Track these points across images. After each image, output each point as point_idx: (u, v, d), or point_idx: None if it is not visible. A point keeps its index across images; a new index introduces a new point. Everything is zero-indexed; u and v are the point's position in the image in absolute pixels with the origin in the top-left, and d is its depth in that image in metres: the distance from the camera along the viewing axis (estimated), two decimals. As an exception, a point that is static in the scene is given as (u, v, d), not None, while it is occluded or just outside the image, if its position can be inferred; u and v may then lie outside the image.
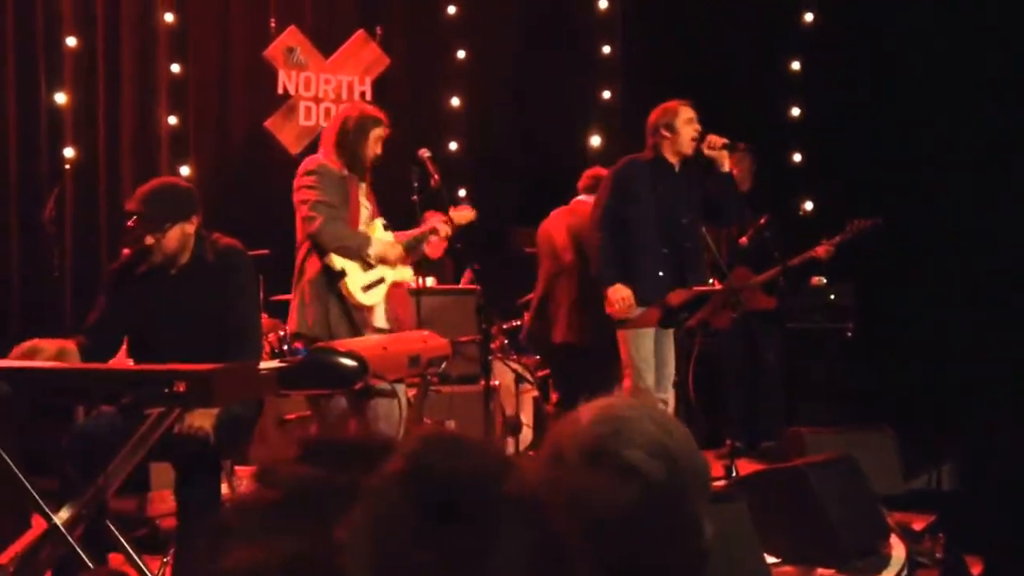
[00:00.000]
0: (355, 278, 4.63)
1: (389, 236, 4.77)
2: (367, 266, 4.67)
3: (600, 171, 6.12)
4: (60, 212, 6.51)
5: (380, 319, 4.70)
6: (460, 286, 6.09)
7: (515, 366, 6.45)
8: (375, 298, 4.66)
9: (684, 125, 5.24)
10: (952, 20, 6.89)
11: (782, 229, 6.51)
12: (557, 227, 6.06)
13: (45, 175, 6.57)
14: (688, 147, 5.24)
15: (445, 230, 4.84)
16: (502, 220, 7.32)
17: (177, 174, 7.02)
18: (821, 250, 6.49)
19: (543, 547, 0.85)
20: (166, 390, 2.78)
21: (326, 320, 4.53)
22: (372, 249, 4.63)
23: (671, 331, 5.20)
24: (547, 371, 6.54)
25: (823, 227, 6.71)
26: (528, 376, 6.36)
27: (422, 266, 5.75)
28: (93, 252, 6.74)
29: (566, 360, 6.11)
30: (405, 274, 4.83)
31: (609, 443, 1.38)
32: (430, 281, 6.30)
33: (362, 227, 4.72)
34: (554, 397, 6.43)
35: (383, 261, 4.68)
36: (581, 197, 6.11)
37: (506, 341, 6.58)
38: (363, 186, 4.76)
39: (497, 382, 6.76)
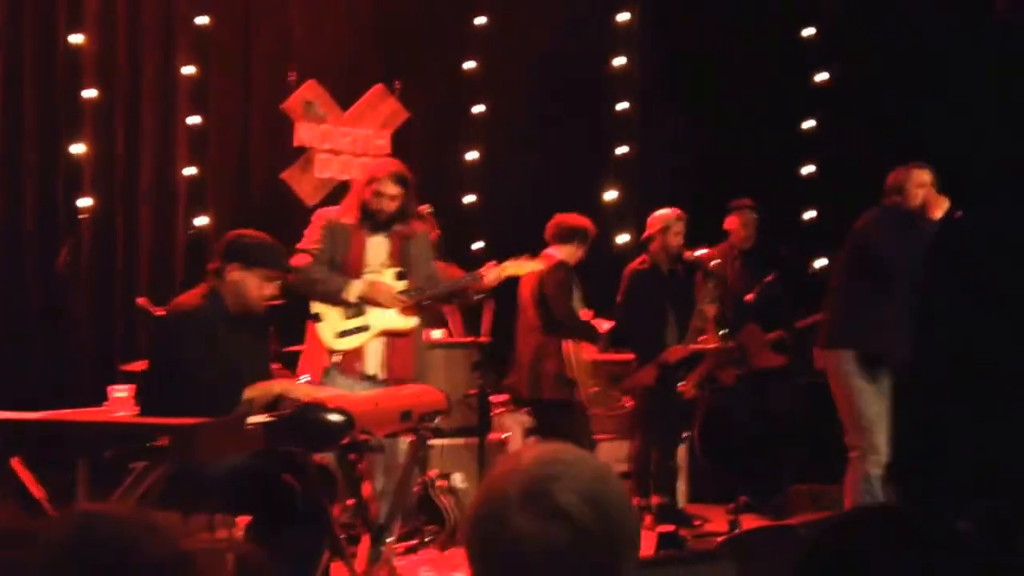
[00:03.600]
0: (330, 323, 4.70)
1: (400, 284, 4.83)
2: (351, 313, 4.72)
3: (568, 219, 6.15)
4: (76, 261, 6.61)
5: (372, 366, 4.75)
6: (464, 339, 6.13)
7: (521, 419, 6.47)
8: (351, 344, 4.71)
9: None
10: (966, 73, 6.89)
11: (793, 286, 6.51)
12: (525, 283, 6.11)
13: (62, 225, 6.68)
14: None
15: (490, 277, 4.92)
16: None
17: (193, 225, 7.14)
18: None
19: None
20: (148, 444, 2.84)
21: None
22: (354, 290, 4.70)
23: None
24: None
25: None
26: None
27: (428, 318, 5.82)
28: (107, 301, 6.83)
29: (537, 413, 6.16)
30: (400, 323, 4.83)
31: (545, 484, 1.40)
32: (437, 333, 6.35)
33: (368, 275, 4.81)
34: None
35: (369, 302, 4.72)
36: (549, 250, 6.12)
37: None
38: (382, 238, 4.88)
39: (508, 434, 6.79)
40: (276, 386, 3.91)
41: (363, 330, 4.75)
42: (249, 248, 3.96)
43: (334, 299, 4.72)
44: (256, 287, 3.91)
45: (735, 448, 6.70)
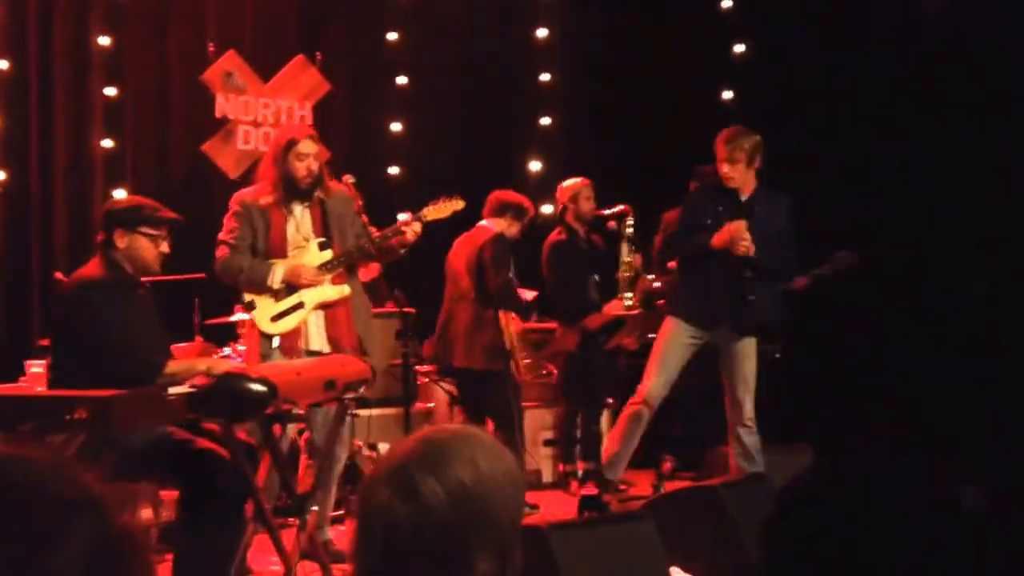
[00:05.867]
0: (263, 308, 4.67)
1: (326, 255, 4.80)
2: (283, 294, 4.70)
3: (504, 195, 6.21)
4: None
5: (317, 341, 4.74)
6: (388, 309, 6.12)
7: (448, 388, 6.51)
8: (288, 325, 4.67)
9: None
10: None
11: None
12: (458, 253, 6.13)
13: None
14: None
15: (412, 229, 4.86)
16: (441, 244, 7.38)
17: (111, 198, 7.02)
18: (801, 281, 6.34)
19: (101, 541, 0.99)
20: (67, 417, 2.82)
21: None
22: (277, 275, 4.66)
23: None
24: (455, 386, 6.57)
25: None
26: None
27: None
28: (23, 276, 6.71)
29: (465, 384, 6.19)
30: (333, 293, 4.79)
31: (409, 463, 1.48)
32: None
33: (292, 252, 4.78)
34: (458, 412, 6.48)
35: (293, 283, 4.70)
36: (483, 222, 6.16)
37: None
38: (301, 209, 4.82)
39: (432, 404, 6.83)
40: (200, 363, 3.91)
41: (298, 308, 4.71)
42: (125, 211, 3.98)
43: (260, 288, 4.68)
44: (148, 247, 3.92)
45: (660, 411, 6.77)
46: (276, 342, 4.68)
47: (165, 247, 3.99)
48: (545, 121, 8.54)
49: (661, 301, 6.41)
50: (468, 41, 8.22)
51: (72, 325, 3.83)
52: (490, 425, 5.95)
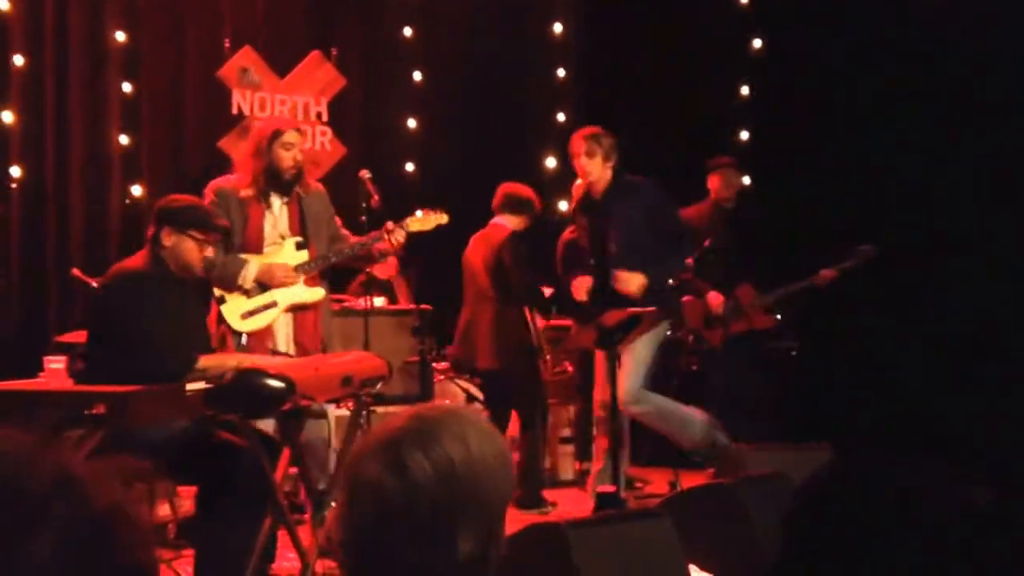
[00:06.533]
0: (233, 305, 4.58)
1: (302, 255, 4.71)
2: (255, 291, 4.60)
3: (517, 190, 6.15)
4: (6, 232, 6.49)
5: (281, 343, 4.67)
6: (404, 307, 6.11)
7: (465, 385, 6.49)
8: (258, 324, 4.60)
9: None
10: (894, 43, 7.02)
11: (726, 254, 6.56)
12: (475, 253, 6.09)
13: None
14: None
15: (396, 238, 4.81)
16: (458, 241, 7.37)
17: (129, 194, 7.04)
18: (828, 274, 6.40)
19: (81, 521, 0.98)
20: (86, 412, 2.81)
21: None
22: (249, 274, 4.58)
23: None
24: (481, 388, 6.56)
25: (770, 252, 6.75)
26: (478, 396, 6.40)
27: (370, 286, 5.78)
28: (40, 272, 6.72)
29: (489, 385, 6.16)
30: (307, 296, 4.73)
31: (399, 439, 1.48)
32: (379, 301, 6.33)
33: (267, 248, 4.70)
34: (485, 414, 6.46)
35: (266, 283, 4.61)
36: (498, 220, 6.11)
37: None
38: (280, 205, 4.75)
39: (447, 402, 6.81)
40: (231, 359, 3.92)
41: (271, 307, 4.63)
42: (179, 212, 3.99)
43: (231, 286, 4.59)
44: (193, 249, 3.94)
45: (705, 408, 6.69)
46: (244, 339, 4.62)
47: (210, 252, 4.03)
48: (560, 117, 8.51)
49: (688, 297, 6.40)
50: (483, 37, 8.19)
51: (108, 313, 3.87)
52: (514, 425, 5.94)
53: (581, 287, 5.38)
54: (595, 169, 5.44)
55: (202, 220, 4.00)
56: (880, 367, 6.64)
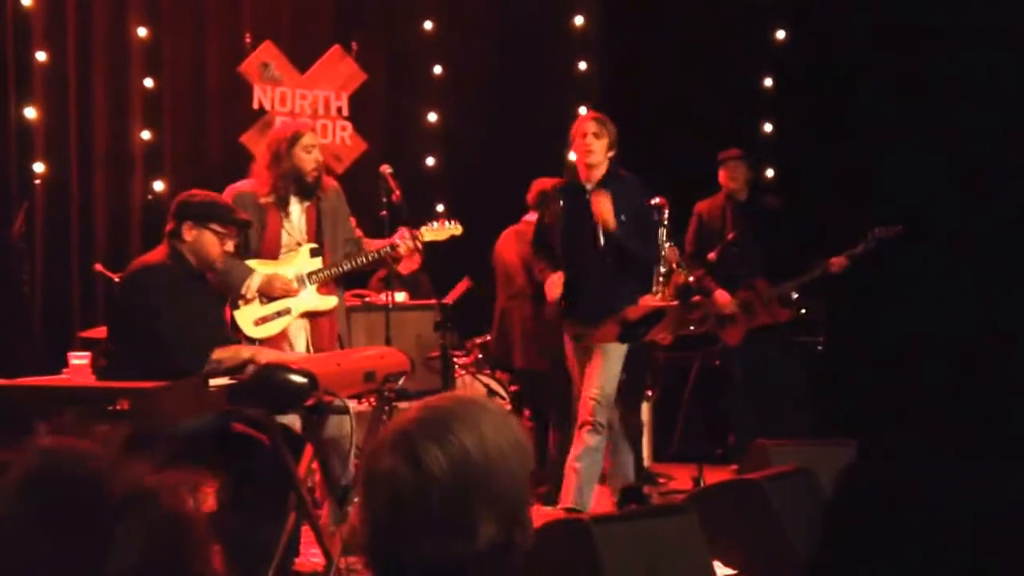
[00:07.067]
0: (246, 310, 4.55)
1: (316, 263, 4.68)
2: (266, 297, 4.58)
3: (547, 183, 6.10)
4: (30, 228, 6.51)
5: (299, 348, 4.62)
6: (425, 302, 6.08)
7: (487, 381, 6.46)
8: (271, 331, 4.56)
9: None
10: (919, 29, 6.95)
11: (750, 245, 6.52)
12: (508, 249, 6.05)
13: (15, 191, 6.57)
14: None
15: (406, 246, 4.79)
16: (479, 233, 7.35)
17: (151, 190, 7.05)
18: (839, 262, 6.35)
19: (158, 531, 1.02)
20: (109, 408, 2.81)
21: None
22: (253, 286, 4.53)
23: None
24: (518, 386, 6.54)
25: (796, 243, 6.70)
26: (501, 391, 6.37)
27: (392, 282, 5.77)
28: (64, 268, 6.75)
29: (526, 384, 6.13)
30: (320, 303, 4.69)
31: (413, 431, 1.48)
32: (401, 297, 6.32)
33: (283, 255, 4.66)
34: (527, 412, 6.44)
35: (267, 295, 4.56)
36: (529, 217, 6.06)
37: (480, 356, 6.59)
38: (297, 211, 4.70)
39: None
40: (245, 351, 3.93)
41: (284, 313, 4.60)
42: (199, 206, 4.01)
43: (234, 293, 4.53)
44: (214, 243, 3.96)
45: (726, 403, 6.65)
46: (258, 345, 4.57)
47: (230, 246, 4.06)
48: (582, 110, 8.46)
49: (697, 297, 6.34)
50: (504, 30, 8.16)
51: (128, 307, 3.89)
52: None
53: (555, 286, 5.21)
54: (599, 151, 5.32)
55: (222, 214, 4.02)
56: (907, 362, 6.58)
